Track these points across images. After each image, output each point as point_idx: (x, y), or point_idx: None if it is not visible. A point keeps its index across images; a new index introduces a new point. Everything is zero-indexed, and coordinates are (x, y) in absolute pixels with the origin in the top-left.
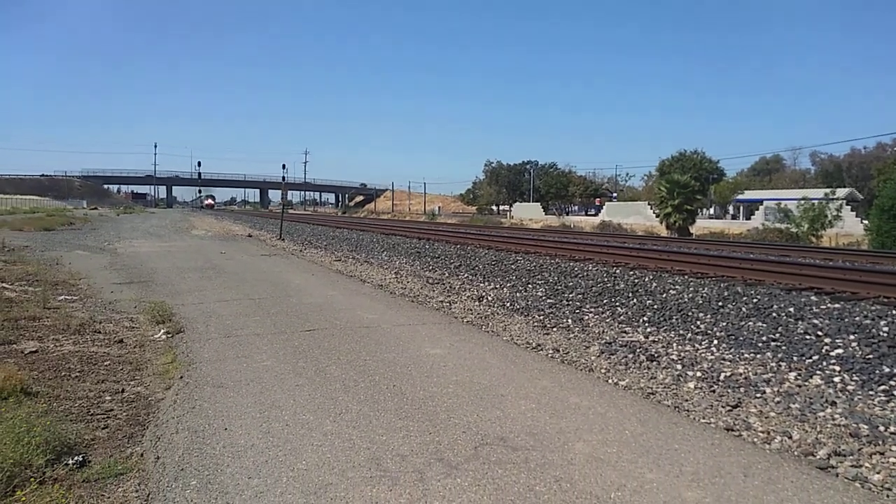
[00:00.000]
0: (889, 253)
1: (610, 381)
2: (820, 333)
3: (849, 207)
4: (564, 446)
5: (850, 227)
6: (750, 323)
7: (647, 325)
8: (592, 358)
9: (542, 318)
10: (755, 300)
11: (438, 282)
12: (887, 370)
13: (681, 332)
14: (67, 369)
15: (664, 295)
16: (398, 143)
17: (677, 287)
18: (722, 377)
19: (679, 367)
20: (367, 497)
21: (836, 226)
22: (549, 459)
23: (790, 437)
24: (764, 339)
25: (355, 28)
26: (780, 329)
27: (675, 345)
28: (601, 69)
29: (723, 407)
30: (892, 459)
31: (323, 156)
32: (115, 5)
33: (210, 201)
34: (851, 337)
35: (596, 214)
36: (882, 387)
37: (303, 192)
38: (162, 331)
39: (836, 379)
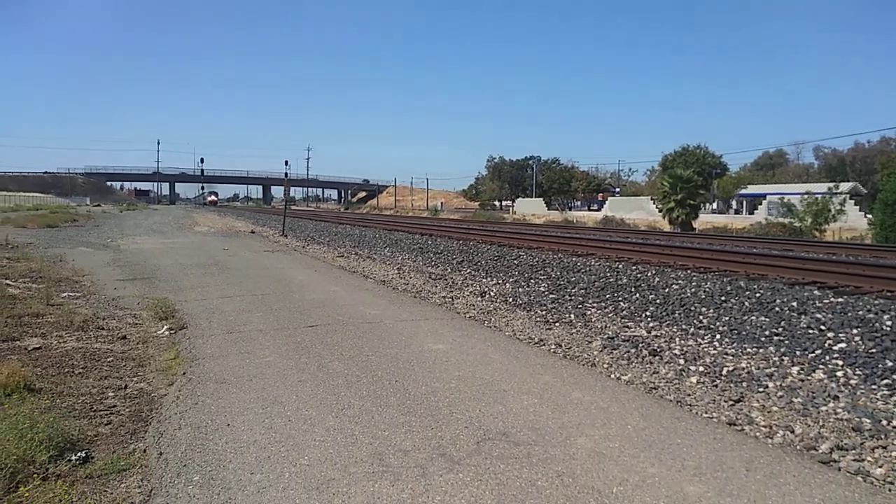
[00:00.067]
0: (892, 247)
1: (612, 375)
2: (823, 328)
3: (852, 202)
4: (567, 441)
5: (854, 222)
6: (753, 317)
7: (649, 319)
8: (595, 353)
9: (544, 313)
10: (758, 295)
11: (441, 277)
12: (890, 364)
13: (683, 326)
14: (71, 366)
15: (667, 290)
16: (401, 139)
17: (680, 282)
18: (724, 372)
19: (681, 361)
20: (369, 492)
21: (839, 220)
22: (552, 454)
23: (793, 432)
24: (767, 333)
25: (357, 23)
26: (782, 323)
27: (677, 339)
28: (603, 64)
29: (725, 401)
30: (894, 453)
31: (326, 152)
32: (115, 3)
33: (213, 198)
34: (854, 331)
35: (599, 210)
36: (885, 381)
37: (306, 189)
38: (165, 327)
39: (839, 373)
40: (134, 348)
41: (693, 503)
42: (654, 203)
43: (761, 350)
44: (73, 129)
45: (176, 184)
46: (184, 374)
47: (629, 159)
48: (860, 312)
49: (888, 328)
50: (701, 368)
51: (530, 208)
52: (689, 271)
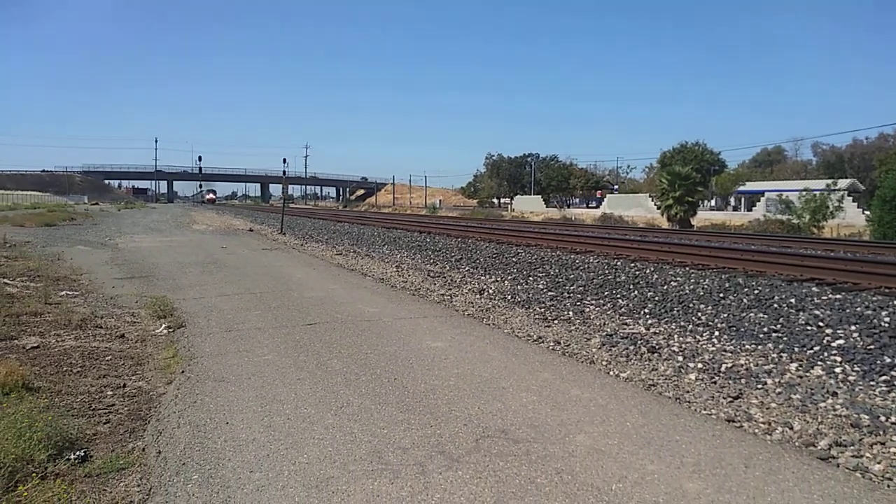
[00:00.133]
0: (890, 244)
1: (611, 373)
2: (821, 324)
3: (850, 198)
4: (566, 438)
5: (852, 218)
6: (751, 314)
7: (648, 316)
8: (594, 350)
9: (543, 310)
10: (756, 291)
11: (439, 275)
12: (888, 360)
13: (682, 323)
14: (69, 364)
15: (665, 287)
16: (399, 137)
17: (678, 279)
18: (723, 368)
19: (680, 358)
20: (368, 490)
21: (837, 217)
22: (551, 451)
23: (791, 428)
24: (765, 330)
25: (355, 20)
26: (781, 320)
27: (676, 336)
28: (603, 62)
29: (724, 398)
30: (892, 450)
31: (324, 150)
32: (115, 2)
33: (211, 196)
34: (853, 328)
35: (597, 207)
36: (883, 377)
37: (304, 187)
38: (163, 325)
39: (838, 370)
40: (132, 347)
41: (692, 500)
42: (652, 200)
43: (760, 347)
44: (71, 127)
45: (174, 182)
46: (182, 372)
47: (628, 156)
48: (858, 309)
49: (886, 324)
50: (699, 365)
51: (529, 206)
52: (687, 268)
